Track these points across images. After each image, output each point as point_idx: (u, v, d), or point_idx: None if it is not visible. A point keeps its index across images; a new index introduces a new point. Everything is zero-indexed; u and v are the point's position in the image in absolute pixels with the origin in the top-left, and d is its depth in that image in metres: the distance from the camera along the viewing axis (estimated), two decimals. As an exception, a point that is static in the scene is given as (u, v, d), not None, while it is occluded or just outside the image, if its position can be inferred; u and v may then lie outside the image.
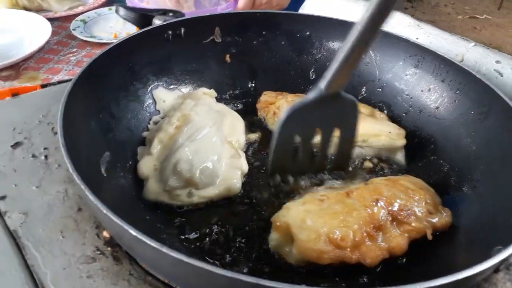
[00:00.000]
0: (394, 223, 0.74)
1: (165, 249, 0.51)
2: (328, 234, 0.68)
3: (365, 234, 0.70)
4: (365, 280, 0.71)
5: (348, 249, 0.68)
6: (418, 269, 0.73)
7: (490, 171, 0.82)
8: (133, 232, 0.53)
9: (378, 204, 0.74)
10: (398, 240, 0.72)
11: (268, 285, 0.48)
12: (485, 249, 0.63)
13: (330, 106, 0.75)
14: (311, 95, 0.74)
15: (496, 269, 0.60)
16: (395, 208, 0.74)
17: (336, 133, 0.81)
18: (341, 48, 0.66)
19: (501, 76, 0.99)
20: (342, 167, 0.88)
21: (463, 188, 0.84)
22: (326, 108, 0.75)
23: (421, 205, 0.77)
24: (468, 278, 0.54)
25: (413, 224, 0.74)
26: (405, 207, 0.75)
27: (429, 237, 0.74)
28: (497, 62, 1.00)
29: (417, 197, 0.78)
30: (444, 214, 0.78)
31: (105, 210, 0.56)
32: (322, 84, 0.72)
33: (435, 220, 0.76)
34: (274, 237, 0.74)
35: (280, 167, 0.82)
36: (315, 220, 0.70)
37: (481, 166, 0.84)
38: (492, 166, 0.82)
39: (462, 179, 0.86)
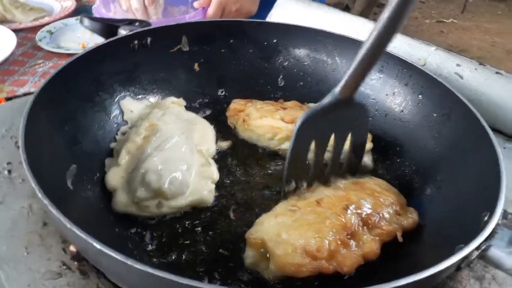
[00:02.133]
0: (365, 228, 0.75)
1: (130, 262, 0.51)
2: (304, 247, 0.68)
3: (339, 242, 0.70)
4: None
5: (324, 260, 0.68)
6: (387, 271, 0.74)
7: (453, 172, 0.84)
8: (97, 245, 0.53)
9: (349, 211, 0.74)
10: (371, 245, 0.73)
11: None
12: (449, 248, 0.64)
13: (343, 111, 0.78)
14: (326, 100, 0.76)
15: (458, 267, 0.61)
16: (365, 213, 0.75)
17: (348, 137, 0.83)
18: (358, 52, 0.69)
19: (461, 78, 1.03)
20: (353, 171, 0.89)
21: (428, 189, 0.87)
22: (339, 113, 0.78)
23: (389, 207, 0.79)
24: (431, 277, 0.55)
25: (383, 228, 0.75)
26: (374, 211, 0.76)
27: (400, 239, 0.76)
28: (458, 65, 1.04)
29: (383, 200, 0.79)
30: (411, 214, 0.80)
31: (68, 224, 0.55)
32: (337, 89, 0.75)
33: (403, 221, 0.78)
34: (250, 254, 0.73)
35: (295, 173, 0.82)
36: (290, 233, 0.70)
37: (445, 167, 0.87)
38: (455, 167, 0.84)
39: (427, 180, 0.88)
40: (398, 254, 0.76)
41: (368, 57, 0.69)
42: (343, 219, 0.73)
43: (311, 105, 1.10)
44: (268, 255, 0.71)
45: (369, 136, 0.97)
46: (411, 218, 0.80)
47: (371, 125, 1.03)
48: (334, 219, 0.73)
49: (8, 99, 1.16)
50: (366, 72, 0.72)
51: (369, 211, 0.76)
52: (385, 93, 1.04)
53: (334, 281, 0.71)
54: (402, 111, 1.00)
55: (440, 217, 0.80)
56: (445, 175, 0.86)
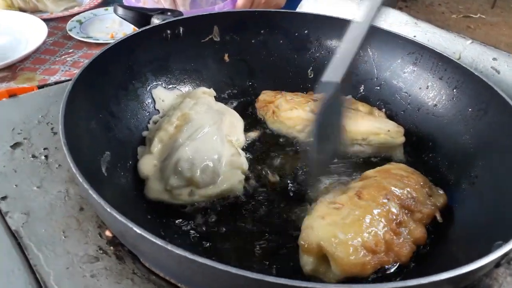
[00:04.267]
0: (408, 214, 0.74)
1: (169, 246, 0.51)
2: (364, 243, 0.67)
3: (391, 233, 0.70)
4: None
5: (383, 253, 0.68)
6: (420, 267, 0.73)
7: (488, 167, 0.82)
8: (137, 229, 0.53)
9: (389, 199, 0.74)
10: (418, 230, 0.73)
11: (273, 282, 0.49)
12: (486, 244, 0.63)
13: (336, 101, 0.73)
14: (330, 92, 0.71)
15: (497, 264, 0.60)
16: (404, 200, 0.75)
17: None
18: (351, 39, 0.69)
19: (498, 73, 1.00)
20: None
21: (462, 185, 0.85)
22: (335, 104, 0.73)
23: (420, 190, 0.79)
24: (469, 273, 0.54)
25: (423, 211, 0.75)
26: (410, 196, 0.76)
27: (440, 219, 0.77)
28: (494, 59, 1.01)
29: (414, 183, 0.80)
30: (439, 193, 0.82)
31: (109, 209, 0.56)
32: (337, 77, 0.70)
33: (436, 201, 0.79)
34: (308, 261, 0.69)
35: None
36: (345, 232, 0.68)
37: (480, 162, 0.85)
38: (490, 162, 0.83)
39: (461, 176, 0.87)
40: (429, 251, 0.75)
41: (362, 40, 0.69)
42: (388, 209, 0.73)
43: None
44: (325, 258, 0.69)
45: (401, 130, 0.96)
46: (441, 196, 0.81)
47: (403, 119, 1.03)
48: (380, 210, 0.72)
49: (40, 87, 1.17)
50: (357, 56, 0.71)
51: (406, 197, 0.76)
52: (418, 87, 1.02)
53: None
54: (435, 105, 0.99)
55: (475, 214, 0.78)
56: (480, 171, 0.84)
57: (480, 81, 0.89)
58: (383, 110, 1.05)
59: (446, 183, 0.88)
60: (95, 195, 0.57)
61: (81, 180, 0.59)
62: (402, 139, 0.95)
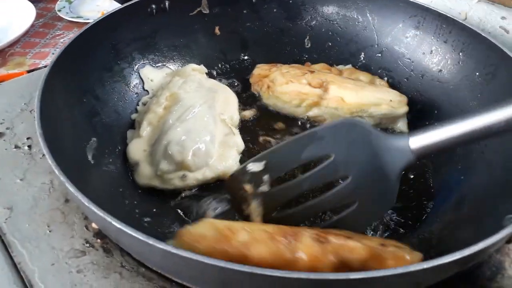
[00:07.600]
0: None
1: (151, 241, 0.48)
2: None
3: None
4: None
5: None
6: (429, 244, 0.69)
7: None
8: (117, 224, 0.50)
9: None
10: None
11: (261, 273, 0.45)
12: (496, 218, 0.59)
13: None
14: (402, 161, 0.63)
15: (509, 239, 0.56)
16: None
17: None
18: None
19: (507, 33, 0.93)
20: None
21: (471, 154, 0.80)
22: None
23: None
24: (480, 252, 0.50)
25: None
26: None
27: None
28: (503, 18, 0.94)
29: None
30: None
31: (87, 202, 0.52)
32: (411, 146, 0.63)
33: None
34: None
35: None
36: None
37: (489, 130, 0.79)
38: (500, 130, 0.77)
39: (468, 146, 0.81)
40: (439, 226, 0.71)
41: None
42: None
43: (340, 67, 1.03)
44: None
45: (404, 100, 0.90)
46: None
47: (407, 87, 0.97)
48: None
49: (29, 72, 1.13)
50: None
51: None
52: (421, 52, 0.96)
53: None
54: (440, 70, 0.93)
55: (484, 186, 0.74)
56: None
57: (488, 42, 0.83)
58: (385, 78, 1.00)
59: (453, 154, 0.83)
60: (72, 188, 0.54)
61: (57, 172, 0.55)
62: (405, 108, 0.90)
